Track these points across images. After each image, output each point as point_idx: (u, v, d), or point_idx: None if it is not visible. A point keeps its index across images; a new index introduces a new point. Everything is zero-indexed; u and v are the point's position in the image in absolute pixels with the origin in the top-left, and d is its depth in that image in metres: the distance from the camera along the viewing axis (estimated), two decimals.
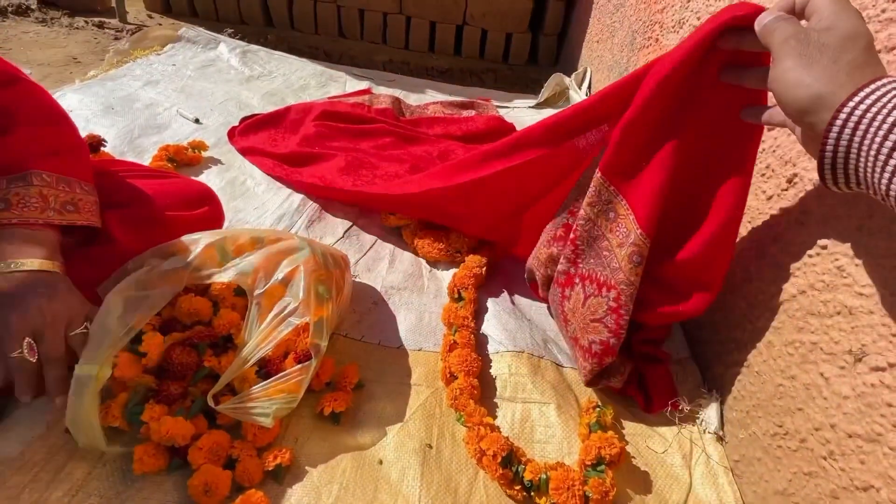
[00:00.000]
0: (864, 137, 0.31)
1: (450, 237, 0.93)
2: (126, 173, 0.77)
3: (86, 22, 1.81)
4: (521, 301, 0.88)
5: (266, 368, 0.63)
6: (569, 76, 1.67)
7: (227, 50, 1.68)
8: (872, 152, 0.30)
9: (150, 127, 1.22)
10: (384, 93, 1.56)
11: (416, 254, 0.96)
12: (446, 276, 0.91)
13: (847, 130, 0.32)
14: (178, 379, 0.60)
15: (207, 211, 0.79)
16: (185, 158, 1.09)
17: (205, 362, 0.62)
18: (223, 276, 0.65)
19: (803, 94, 0.35)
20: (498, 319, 0.80)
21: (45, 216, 0.55)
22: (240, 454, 0.56)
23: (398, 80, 1.74)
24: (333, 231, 0.99)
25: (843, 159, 0.33)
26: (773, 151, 0.66)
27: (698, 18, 0.90)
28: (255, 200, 1.04)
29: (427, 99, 1.62)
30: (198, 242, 0.68)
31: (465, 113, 1.51)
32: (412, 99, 1.58)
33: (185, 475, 0.56)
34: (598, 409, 0.67)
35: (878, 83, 0.31)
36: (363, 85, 1.64)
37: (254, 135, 1.23)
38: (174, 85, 1.43)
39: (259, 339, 0.61)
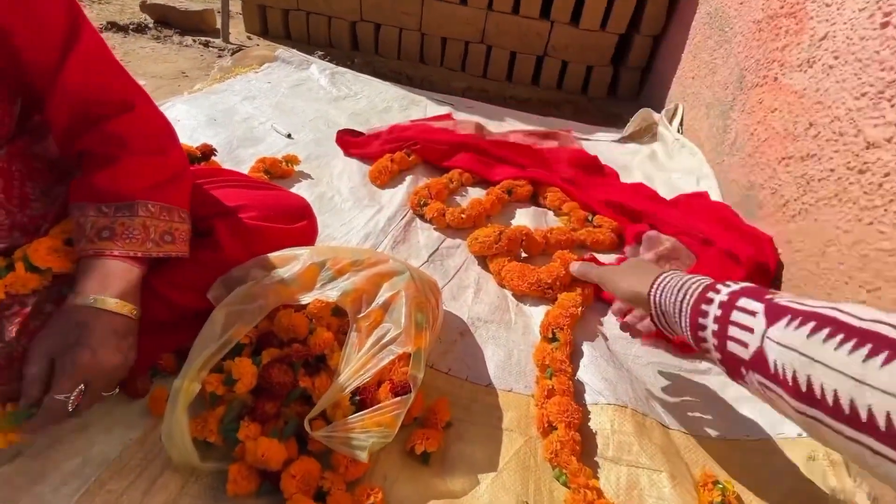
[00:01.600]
0: (664, 305, 0.54)
1: (539, 272, 0.89)
2: (233, 183, 0.79)
3: (193, 40, 1.97)
4: (618, 349, 0.81)
5: (361, 396, 0.60)
6: (656, 111, 1.61)
7: (317, 71, 1.75)
8: (672, 313, 0.52)
9: (248, 139, 1.27)
10: (466, 119, 1.56)
11: (502, 286, 0.91)
12: (534, 311, 0.86)
13: (657, 304, 0.55)
14: (273, 398, 0.59)
15: (305, 225, 0.79)
16: (279, 171, 1.12)
17: (300, 382, 0.60)
18: (326, 295, 0.63)
19: (623, 296, 0.62)
20: (596, 366, 0.74)
21: (145, 248, 0.55)
22: (331, 487, 0.53)
23: (477, 107, 1.74)
24: (418, 254, 0.97)
25: (663, 319, 0.55)
26: None
27: (835, 58, 0.83)
28: (342, 216, 1.04)
29: (506, 127, 1.61)
30: (300, 259, 0.67)
31: (547, 143, 1.48)
32: (492, 126, 1.57)
33: (274, 501, 0.53)
34: (718, 485, 0.59)
35: (659, 279, 0.56)
36: (444, 110, 1.65)
37: (362, 145, 1.29)
38: (269, 101, 1.50)
39: (358, 366, 0.58)
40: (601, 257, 1.02)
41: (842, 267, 0.72)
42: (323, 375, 0.62)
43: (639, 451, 0.62)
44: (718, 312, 0.44)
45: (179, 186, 0.63)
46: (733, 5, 1.30)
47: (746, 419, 0.70)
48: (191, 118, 1.32)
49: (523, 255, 0.99)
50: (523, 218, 1.13)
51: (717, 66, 1.33)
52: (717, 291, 0.46)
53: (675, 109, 1.54)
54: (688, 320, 0.48)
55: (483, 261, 0.97)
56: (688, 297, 0.49)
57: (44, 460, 0.53)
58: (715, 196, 1.14)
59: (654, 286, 0.56)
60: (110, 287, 0.52)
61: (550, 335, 0.77)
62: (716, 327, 0.44)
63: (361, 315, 0.63)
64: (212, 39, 2.01)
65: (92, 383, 0.49)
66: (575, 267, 0.81)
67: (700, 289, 0.49)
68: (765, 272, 0.85)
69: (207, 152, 1.00)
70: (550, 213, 1.17)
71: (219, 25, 2.08)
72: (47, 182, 0.63)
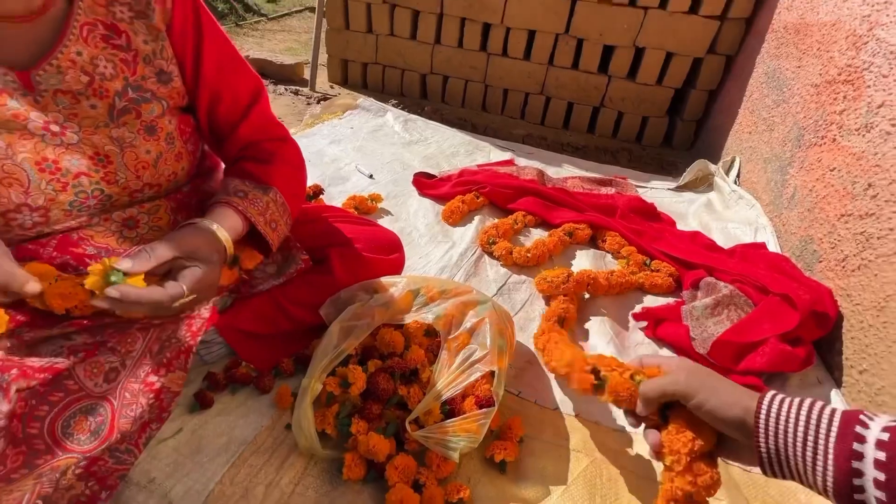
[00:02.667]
0: (784, 440, 0.40)
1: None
2: (341, 218, 0.94)
3: (286, 89, 2.25)
4: None
5: (449, 406, 0.70)
6: (710, 161, 1.67)
7: (392, 118, 1.96)
8: (794, 453, 0.40)
9: (336, 178, 1.46)
10: (527, 164, 1.69)
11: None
12: (597, 344, 0.93)
13: (770, 439, 0.41)
14: (378, 401, 0.70)
15: (398, 257, 0.92)
16: (366, 207, 1.28)
17: (398, 390, 0.71)
18: (422, 317, 0.75)
19: (719, 421, 0.46)
20: None
21: (257, 218, 0.66)
22: (425, 481, 0.63)
23: (537, 154, 1.87)
24: (488, 287, 1.08)
25: (776, 459, 0.41)
26: None
27: (893, 125, 0.88)
28: (419, 250, 1.18)
29: (564, 173, 1.72)
30: (398, 285, 0.80)
31: (605, 190, 1.57)
32: (551, 171, 1.68)
33: (378, 489, 0.63)
34: None
35: (769, 399, 0.43)
36: (506, 155, 1.79)
37: (435, 186, 1.45)
38: (352, 144, 1.70)
39: (449, 380, 0.69)
40: (657, 300, 1.09)
41: None
42: (416, 386, 0.73)
43: None
44: (880, 455, 0.34)
45: (299, 199, 0.76)
46: (790, 68, 1.37)
47: None
48: None
49: (586, 295, 1.07)
50: (583, 259, 1.22)
51: (775, 123, 1.39)
52: (865, 426, 0.36)
53: (732, 161, 1.60)
54: (832, 466, 0.36)
55: (548, 299, 1.06)
56: (823, 432, 0.38)
57: (199, 437, 0.66)
58: (773, 247, 1.18)
59: (763, 412, 0.42)
60: (228, 227, 0.62)
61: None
62: (881, 475, 0.33)
63: (451, 336, 0.74)
64: (300, 88, 2.29)
65: (199, 293, 0.56)
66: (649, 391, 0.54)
67: (839, 421, 0.38)
68: (823, 321, 0.89)
69: (318, 192, 1.18)
70: (609, 255, 1.25)
71: (307, 76, 2.36)
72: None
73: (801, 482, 0.40)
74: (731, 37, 1.83)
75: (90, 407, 0.56)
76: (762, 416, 0.42)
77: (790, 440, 0.40)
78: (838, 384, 0.86)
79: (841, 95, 1.08)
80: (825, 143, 1.10)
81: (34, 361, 0.54)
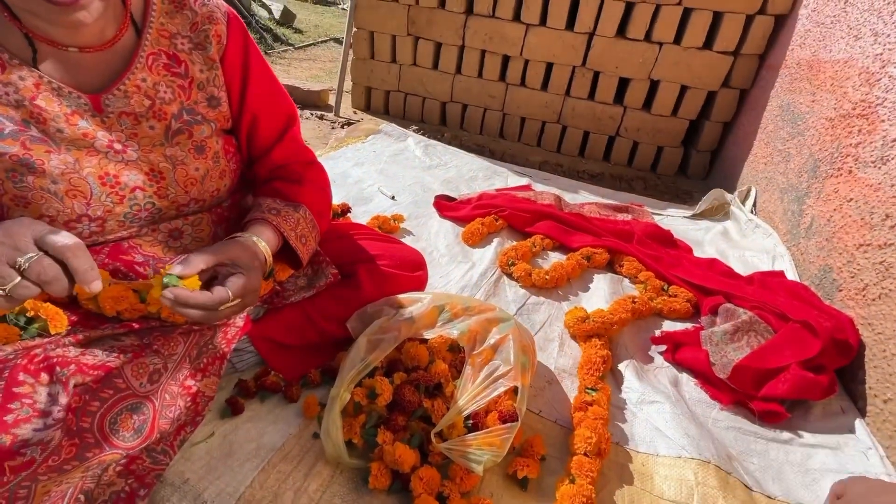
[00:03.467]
0: None
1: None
2: (367, 236, 0.98)
3: (311, 114, 2.35)
4: (698, 411, 0.87)
5: (473, 420, 0.71)
6: (725, 190, 1.69)
7: (413, 143, 2.03)
8: None
9: (360, 199, 1.51)
10: (544, 189, 1.73)
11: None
12: (619, 370, 0.94)
13: None
14: (403, 412, 0.71)
15: (422, 275, 0.95)
16: (389, 227, 1.32)
17: (423, 403, 0.73)
18: (447, 333, 0.77)
19: None
20: (678, 422, 0.80)
21: (289, 233, 0.70)
22: (449, 493, 0.64)
23: (553, 180, 1.91)
24: (507, 307, 1.10)
25: None
26: None
27: None
28: (440, 269, 1.21)
29: (581, 199, 1.75)
30: (423, 301, 0.83)
31: (621, 216, 1.59)
32: (567, 198, 1.72)
33: (402, 499, 0.64)
34: None
35: None
36: (524, 181, 1.84)
37: (455, 209, 1.49)
38: (375, 167, 1.76)
39: (473, 394, 0.70)
40: (675, 325, 1.09)
41: None
42: (439, 400, 0.75)
43: None
44: None
45: (326, 218, 0.80)
46: (805, 101, 1.41)
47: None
48: None
49: None
50: (601, 283, 1.23)
51: (791, 155, 1.42)
52: None
53: (748, 191, 1.62)
54: None
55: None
56: None
57: (230, 442, 0.68)
58: (791, 276, 1.19)
59: None
60: (265, 241, 0.66)
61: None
62: None
63: (475, 352, 0.76)
64: (325, 113, 2.39)
65: (244, 298, 0.59)
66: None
67: None
68: (845, 349, 0.89)
69: (346, 210, 1.23)
70: (626, 280, 1.26)
71: (332, 102, 2.47)
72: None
73: None
74: (745, 71, 1.88)
75: (135, 405, 0.59)
76: None
77: None
78: (862, 413, 0.86)
79: (856, 129, 1.11)
80: (841, 175, 1.12)
81: (88, 359, 0.57)
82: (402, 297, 0.84)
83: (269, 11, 4.72)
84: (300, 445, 0.69)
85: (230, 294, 0.58)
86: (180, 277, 0.54)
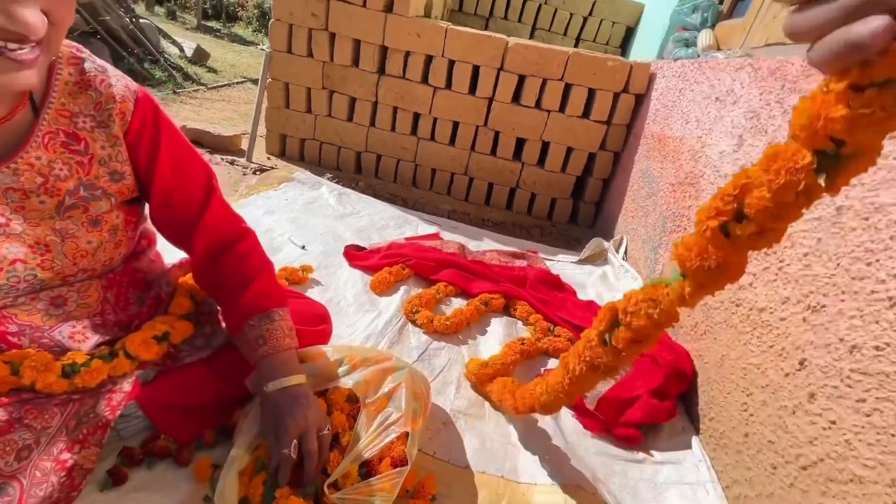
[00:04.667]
0: None
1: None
2: None
3: (222, 159, 2.32)
4: (574, 440, 0.99)
5: (367, 468, 0.76)
6: (605, 239, 1.96)
7: (327, 191, 2.08)
8: None
9: (269, 248, 1.50)
10: (451, 239, 1.87)
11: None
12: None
13: None
14: (299, 467, 0.74)
15: (325, 328, 1.00)
16: (296, 279, 1.35)
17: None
18: (342, 384, 0.82)
19: None
20: (555, 452, 0.92)
21: (287, 343, 0.75)
22: None
23: (461, 228, 2.07)
24: (409, 353, 1.17)
25: None
26: (787, 337, 0.83)
27: None
28: (347, 319, 1.25)
29: (484, 246, 1.92)
30: (325, 355, 0.87)
31: (518, 262, 1.77)
32: (472, 245, 1.87)
33: None
34: None
35: None
36: (432, 229, 1.96)
37: (364, 258, 1.55)
38: (287, 215, 1.79)
39: (367, 442, 0.76)
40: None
41: (732, 376, 0.96)
42: (336, 451, 0.79)
43: None
44: None
45: (283, 293, 0.82)
46: (657, 168, 1.71)
47: (675, 501, 0.87)
48: None
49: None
50: (497, 326, 1.36)
51: (648, 211, 1.70)
52: None
53: (621, 240, 1.89)
54: None
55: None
56: None
57: None
58: None
59: None
60: (287, 372, 0.73)
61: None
62: None
63: (370, 400, 0.82)
64: (237, 158, 2.37)
65: (305, 433, 0.70)
66: None
67: None
68: (683, 377, 1.08)
69: None
70: (519, 322, 1.41)
71: (244, 146, 2.45)
72: (140, 290, 0.84)
73: None
74: (616, 137, 2.23)
75: None
76: None
77: None
78: (697, 431, 1.04)
79: (688, 194, 1.39)
80: (679, 230, 1.38)
81: None
82: (304, 351, 0.88)
83: (181, 49, 4.59)
84: None
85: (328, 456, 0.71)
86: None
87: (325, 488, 0.70)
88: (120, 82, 0.65)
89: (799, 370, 0.77)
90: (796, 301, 0.81)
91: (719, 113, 1.31)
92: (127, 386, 0.76)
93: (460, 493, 0.83)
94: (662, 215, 1.55)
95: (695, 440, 1.01)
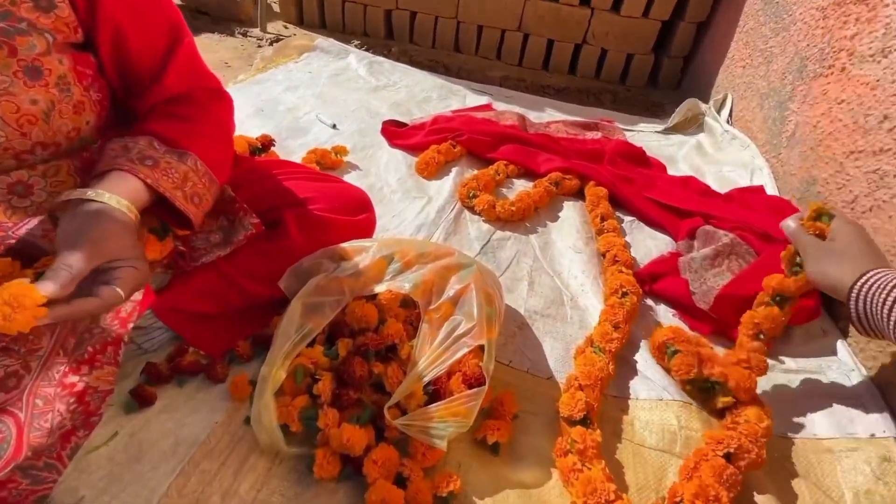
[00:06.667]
0: (870, 306, 0.52)
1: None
2: (296, 174, 0.80)
3: (233, 30, 1.99)
4: None
5: (434, 387, 0.61)
6: (701, 101, 1.56)
7: (355, 61, 1.75)
8: (878, 314, 0.51)
9: (294, 129, 1.29)
10: (507, 109, 1.55)
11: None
12: (590, 305, 0.86)
13: (859, 303, 0.53)
14: (353, 387, 0.60)
15: (367, 217, 0.81)
16: (330, 162, 1.13)
17: (374, 369, 0.62)
18: (398, 287, 0.64)
19: (824, 284, 0.60)
20: (645, 356, 0.74)
21: (173, 193, 0.53)
22: (410, 474, 0.55)
23: (516, 97, 1.72)
24: (470, 246, 0.98)
25: (864, 320, 0.54)
26: None
27: None
28: (392, 208, 1.05)
29: (546, 117, 1.59)
30: (368, 251, 0.69)
31: (590, 134, 1.45)
32: (532, 116, 1.55)
33: (354, 485, 0.55)
34: None
35: (869, 274, 0.53)
36: (483, 100, 1.64)
37: (407, 136, 1.30)
38: (311, 91, 1.52)
39: (433, 358, 0.59)
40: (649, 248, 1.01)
41: None
42: (394, 364, 0.64)
43: None
44: None
45: (223, 174, 0.63)
46: None
47: (816, 419, 0.69)
48: (238, 109, 1.27)
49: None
50: (571, 211, 1.12)
51: (773, 55, 1.28)
52: None
53: (724, 99, 1.50)
54: None
55: (532, 252, 0.96)
56: None
57: (139, 441, 0.56)
58: (771, 191, 1.11)
59: (862, 282, 0.53)
60: (135, 201, 0.49)
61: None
62: None
63: (432, 307, 0.64)
64: (249, 29, 2.03)
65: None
66: (789, 226, 0.68)
67: None
68: None
69: (267, 143, 1.02)
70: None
71: (255, 14, 2.09)
72: None
73: (884, 336, 0.53)
74: None
75: None
76: (858, 286, 0.55)
77: (877, 305, 0.52)
78: (844, 334, 0.82)
79: (852, 18, 0.98)
80: (832, 73, 1.00)
81: None
82: (343, 246, 0.70)
83: None
84: (230, 435, 0.58)
85: (123, 295, 0.45)
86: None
87: (386, 411, 0.57)
88: None
89: None
90: None
91: None
92: (136, 294, 0.62)
93: (545, 407, 0.68)
94: (799, 56, 1.15)
95: (841, 345, 0.80)
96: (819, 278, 0.61)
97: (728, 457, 0.59)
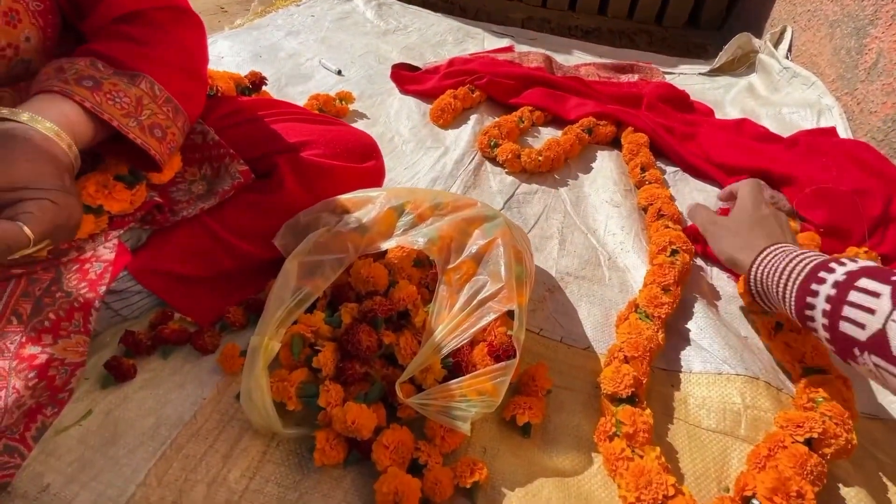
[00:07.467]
0: (766, 281, 0.54)
1: None
2: (294, 116, 0.70)
3: None
4: (734, 316, 0.69)
5: (454, 359, 0.52)
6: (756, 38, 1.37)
7: (362, 3, 1.60)
8: (774, 289, 0.52)
9: (296, 76, 1.17)
10: (531, 50, 1.39)
11: None
12: (631, 265, 0.75)
13: (757, 279, 0.55)
14: (359, 360, 0.52)
15: (373, 165, 0.70)
16: (334, 110, 1.02)
17: (384, 338, 0.53)
18: (410, 242, 0.54)
19: (723, 258, 0.62)
20: (716, 331, 0.63)
21: (123, 121, 0.43)
22: (427, 460, 0.46)
23: (540, 39, 1.55)
24: (492, 200, 0.86)
25: (762, 294, 0.56)
26: None
27: None
28: (404, 159, 0.94)
29: (575, 60, 1.43)
30: (375, 202, 0.58)
31: (625, 77, 1.30)
32: (559, 59, 1.39)
33: (363, 472, 0.47)
34: None
35: (767, 251, 0.55)
36: (503, 42, 1.48)
37: (420, 80, 1.17)
38: (314, 36, 1.38)
39: (452, 326, 0.50)
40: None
41: None
42: (407, 333, 0.55)
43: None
44: (832, 292, 0.44)
45: (195, 106, 0.53)
46: None
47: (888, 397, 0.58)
48: (235, 55, 1.22)
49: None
50: (605, 161, 0.99)
51: None
52: (831, 270, 0.45)
53: (782, 33, 1.31)
54: (793, 299, 0.48)
55: (563, 207, 0.85)
56: (794, 275, 0.49)
57: (115, 421, 0.49)
58: (843, 133, 0.96)
59: (758, 262, 0.55)
60: (69, 128, 0.39)
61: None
62: (827, 307, 0.44)
63: (451, 266, 0.54)
64: None
65: (53, 235, 0.37)
66: (692, 208, 0.72)
67: (810, 267, 0.48)
68: None
69: (258, 81, 0.90)
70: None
71: None
72: None
73: (776, 310, 0.56)
74: None
75: None
76: (756, 265, 0.55)
77: (772, 283, 0.52)
78: None
79: None
80: None
81: None
82: (346, 197, 0.59)
83: None
84: (219, 414, 0.50)
85: (30, 235, 0.34)
86: None
87: (398, 387, 0.48)
88: None
89: None
90: None
91: None
92: (105, 252, 0.53)
93: (582, 382, 0.59)
94: None
95: None
96: (722, 258, 0.62)
97: (810, 443, 0.49)
